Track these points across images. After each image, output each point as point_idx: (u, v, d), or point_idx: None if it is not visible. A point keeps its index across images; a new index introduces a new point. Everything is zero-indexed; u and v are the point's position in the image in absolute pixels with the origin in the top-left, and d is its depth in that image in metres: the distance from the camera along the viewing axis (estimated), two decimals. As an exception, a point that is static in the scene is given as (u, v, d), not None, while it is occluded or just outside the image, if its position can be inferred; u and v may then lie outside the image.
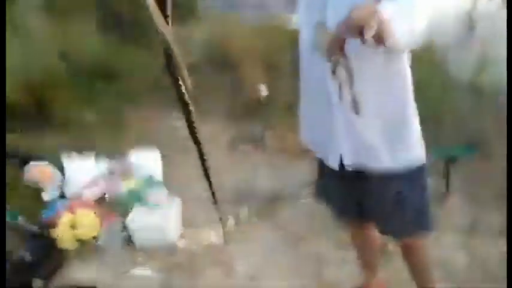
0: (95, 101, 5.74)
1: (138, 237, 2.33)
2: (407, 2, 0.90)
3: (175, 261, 2.32)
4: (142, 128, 4.81)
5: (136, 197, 2.89)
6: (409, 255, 1.49)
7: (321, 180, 1.50)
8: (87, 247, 2.41)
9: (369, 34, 0.75)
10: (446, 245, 2.20)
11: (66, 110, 4.87)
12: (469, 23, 3.69)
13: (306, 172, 3.16)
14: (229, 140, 4.01)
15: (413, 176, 1.26)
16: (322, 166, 1.42)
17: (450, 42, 3.58)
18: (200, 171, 1.06)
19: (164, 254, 2.35)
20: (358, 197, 1.33)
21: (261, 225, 2.59)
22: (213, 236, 2.49)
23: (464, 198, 2.44)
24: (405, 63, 1.17)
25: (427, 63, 3.29)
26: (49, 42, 5.38)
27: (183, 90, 0.71)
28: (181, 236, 2.47)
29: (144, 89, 6.40)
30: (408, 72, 1.18)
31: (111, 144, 4.15)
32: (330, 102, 1.19)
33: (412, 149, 1.24)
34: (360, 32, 0.77)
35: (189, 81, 0.72)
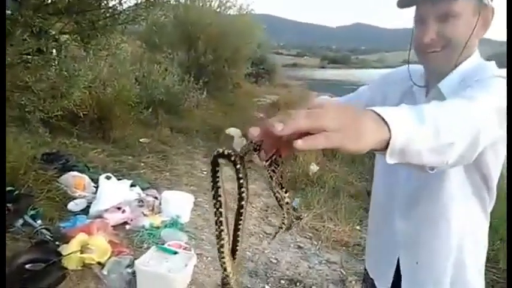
0: (154, 131, 5.99)
1: (142, 281, 2.16)
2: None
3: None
4: (192, 171, 4.87)
5: (155, 235, 2.79)
6: None
7: None
8: (89, 272, 2.28)
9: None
10: None
11: (124, 131, 5.11)
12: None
13: (332, 264, 2.91)
14: (263, 208, 3.86)
15: None
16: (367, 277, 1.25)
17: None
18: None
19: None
20: None
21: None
22: (217, 304, 2.26)
23: None
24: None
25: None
26: (131, 67, 5.83)
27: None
28: (185, 293, 2.27)
29: (205, 137, 6.65)
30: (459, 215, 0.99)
31: (153, 176, 4.21)
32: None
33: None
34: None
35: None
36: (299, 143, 0.47)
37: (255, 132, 0.51)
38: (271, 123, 0.48)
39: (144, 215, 3.04)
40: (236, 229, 0.65)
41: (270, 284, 2.55)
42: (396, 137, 0.57)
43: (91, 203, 2.97)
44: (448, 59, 0.92)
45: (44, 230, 2.46)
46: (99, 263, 2.30)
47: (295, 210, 3.82)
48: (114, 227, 2.76)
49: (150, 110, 5.69)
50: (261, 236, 3.27)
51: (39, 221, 2.50)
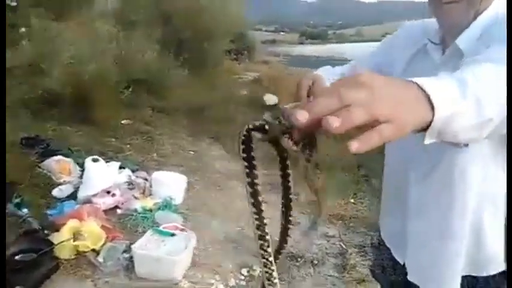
0: (135, 111, 5.78)
1: (140, 266, 2.07)
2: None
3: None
4: (178, 151, 4.74)
5: (148, 218, 2.68)
6: None
7: (379, 260, 1.24)
8: (83, 260, 2.17)
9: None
10: None
11: (106, 112, 4.89)
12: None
13: (331, 238, 2.89)
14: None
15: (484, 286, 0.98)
16: (381, 247, 1.20)
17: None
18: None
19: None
20: None
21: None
22: (219, 284, 2.19)
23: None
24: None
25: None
26: (109, 46, 5.56)
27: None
28: (186, 276, 2.19)
29: (189, 116, 6.48)
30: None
31: (140, 157, 4.06)
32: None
33: (484, 255, 0.98)
34: None
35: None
36: (356, 147, 0.38)
37: (302, 117, 0.38)
38: (328, 119, 0.37)
39: (135, 197, 2.92)
40: (286, 224, 0.55)
41: (271, 262, 2.50)
42: (440, 117, 0.48)
43: (77, 188, 2.82)
44: (467, 10, 0.84)
45: (30, 219, 2.31)
46: (93, 250, 2.19)
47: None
48: (105, 211, 2.64)
49: (130, 89, 5.47)
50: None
51: (25, 210, 2.35)
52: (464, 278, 0.98)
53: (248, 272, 2.35)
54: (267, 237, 0.52)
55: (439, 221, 1.00)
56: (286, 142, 0.43)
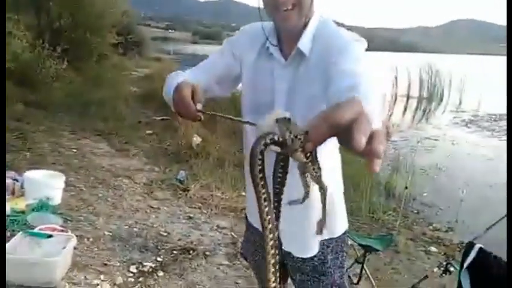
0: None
1: (11, 273, 1.82)
2: (373, 98, 0.73)
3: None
4: (58, 149, 4.29)
5: (19, 221, 2.39)
6: None
7: (247, 236, 1.37)
8: None
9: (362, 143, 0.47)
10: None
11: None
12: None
13: (223, 229, 2.96)
14: (147, 183, 3.67)
15: (334, 245, 1.19)
16: (248, 222, 1.33)
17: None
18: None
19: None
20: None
21: (166, 280, 2.23)
22: (105, 284, 2.06)
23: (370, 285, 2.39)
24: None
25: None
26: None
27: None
28: (66, 279, 2.01)
29: (72, 112, 5.91)
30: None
31: (9, 156, 3.57)
32: None
33: (335, 221, 1.19)
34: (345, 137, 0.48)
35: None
36: (376, 169, 0.44)
37: (377, 167, 0.44)
38: (376, 164, 0.43)
39: (3, 200, 2.56)
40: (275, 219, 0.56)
41: (161, 256, 2.46)
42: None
43: None
44: (300, 17, 0.98)
45: None
46: None
47: (181, 182, 3.73)
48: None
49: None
50: (148, 211, 3.10)
51: None
52: (322, 240, 1.16)
53: (137, 268, 2.27)
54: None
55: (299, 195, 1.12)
56: (299, 155, 0.50)
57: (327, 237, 1.16)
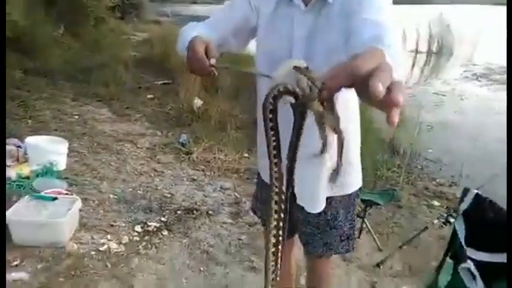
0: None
1: (18, 234, 1.87)
2: (396, 50, 0.73)
3: (61, 266, 1.90)
4: (60, 116, 4.29)
5: (25, 186, 2.43)
6: (318, 266, 1.40)
7: (258, 193, 1.37)
8: None
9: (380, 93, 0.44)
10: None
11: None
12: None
13: (226, 190, 3.00)
14: (150, 147, 3.68)
15: (346, 201, 1.21)
16: (260, 179, 1.34)
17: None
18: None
19: (48, 257, 1.92)
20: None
21: (171, 238, 2.29)
22: (111, 243, 2.12)
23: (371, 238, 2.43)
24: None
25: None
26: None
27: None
28: (74, 239, 2.07)
29: (72, 79, 5.85)
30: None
31: (12, 124, 3.59)
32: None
33: (351, 175, 1.20)
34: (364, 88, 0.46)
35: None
36: (395, 120, 0.42)
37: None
38: (394, 115, 0.41)
39: (8, 166, 2.60)
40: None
41: (166, 216, 2.51)
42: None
43: None
44: None
45: None
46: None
47: (184, 146, 3.74)
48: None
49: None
50: (152, 174, 3.13)
51: None
52: (333, 197, 1.18)
53: (142, 228, 2.32)
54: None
55: (314, 151, 1.11)
56: (316, 104, 0.47)
57: (342, 194, 1.18)
